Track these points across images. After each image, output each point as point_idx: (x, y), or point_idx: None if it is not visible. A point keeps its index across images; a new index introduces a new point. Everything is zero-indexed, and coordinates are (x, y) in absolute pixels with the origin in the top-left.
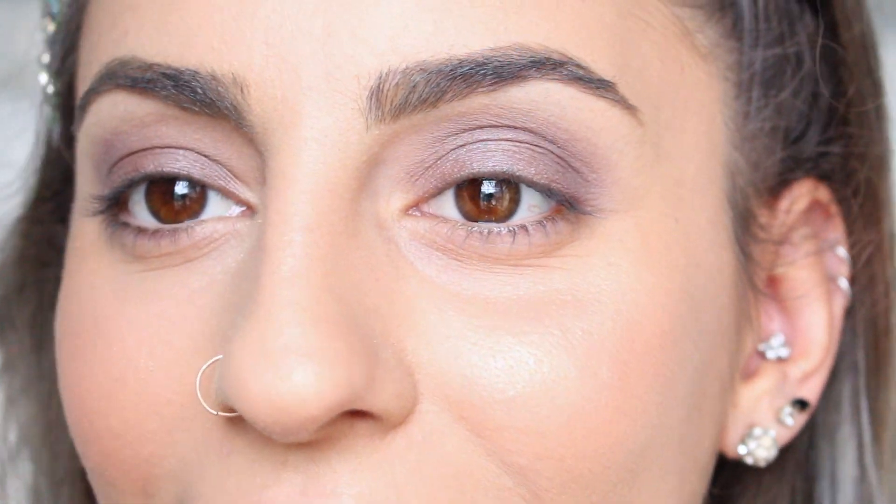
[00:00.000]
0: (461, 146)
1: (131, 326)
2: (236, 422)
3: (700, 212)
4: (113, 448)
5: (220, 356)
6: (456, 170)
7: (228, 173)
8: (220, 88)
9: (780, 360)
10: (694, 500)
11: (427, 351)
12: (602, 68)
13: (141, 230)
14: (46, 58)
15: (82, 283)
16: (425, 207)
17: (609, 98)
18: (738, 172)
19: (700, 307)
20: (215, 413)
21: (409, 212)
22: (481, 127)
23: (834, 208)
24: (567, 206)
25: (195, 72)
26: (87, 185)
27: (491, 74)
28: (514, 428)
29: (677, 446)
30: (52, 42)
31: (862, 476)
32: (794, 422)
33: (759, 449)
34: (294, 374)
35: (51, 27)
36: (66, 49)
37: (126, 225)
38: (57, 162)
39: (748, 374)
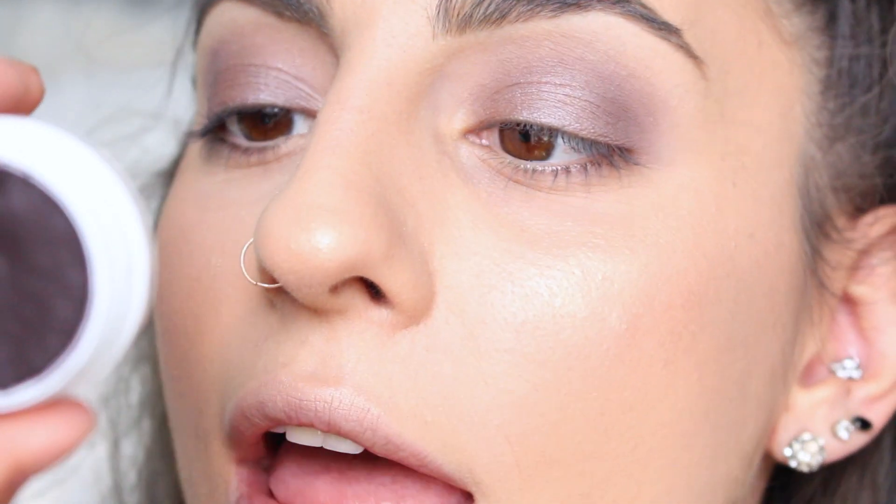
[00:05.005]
0: (517, 85)
1: (210, 230)
2: (274, 302)
3: (763, 186)
4: (186, 348)
5: None
6: (507, 111)
7: (311, 90)
8: None
9: (850, 379)
10: (735, 486)
11: (454, 262)
12: (669, 15)
13: (235, 146)
14: None
15: (175, 197)
16: (483, 136)
17: (673, 42)
18: (814, 168)
19: (746, 278)
20: (254, 283)
21: (468, 136)
22: (542, 66)
23: None
24: (616, 155)
25: None
26: (200, 105)
27: (554, 0)
28: (519, 352)
29: (702, 418)
30: None
31: None
32: (849, 437)
33: (803, 453)
34: (314, 226)
35: None
36: None
37: (223, 141)
38: None
39: (809, 382)
